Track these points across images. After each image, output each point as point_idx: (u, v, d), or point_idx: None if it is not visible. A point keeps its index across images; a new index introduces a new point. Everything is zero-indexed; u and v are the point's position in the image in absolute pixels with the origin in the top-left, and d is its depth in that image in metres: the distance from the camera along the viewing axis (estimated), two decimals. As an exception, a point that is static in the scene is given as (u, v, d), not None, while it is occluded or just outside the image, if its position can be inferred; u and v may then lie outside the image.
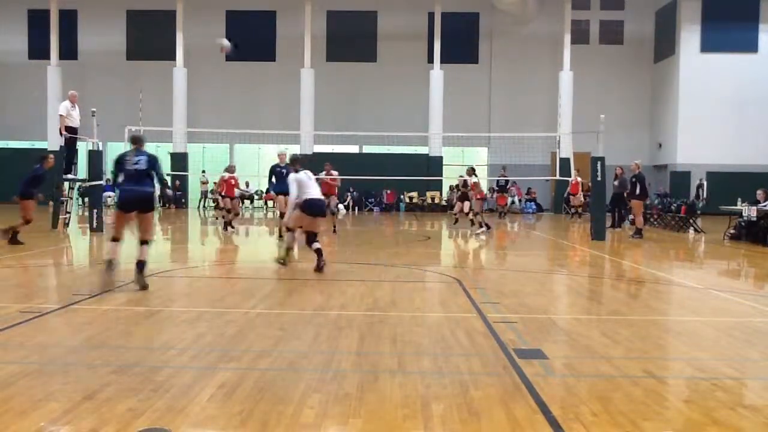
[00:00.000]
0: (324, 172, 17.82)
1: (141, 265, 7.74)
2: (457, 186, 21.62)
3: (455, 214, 20.40)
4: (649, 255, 12.88)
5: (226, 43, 14.23)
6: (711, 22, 28.54)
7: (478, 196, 18.87)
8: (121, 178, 7.92)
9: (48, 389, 4.06)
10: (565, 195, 26.74)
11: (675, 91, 29.07)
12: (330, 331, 5.77)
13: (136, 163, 7.80)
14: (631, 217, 22.02)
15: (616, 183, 19.40)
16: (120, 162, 7.87)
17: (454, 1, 30.39)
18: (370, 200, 29.93)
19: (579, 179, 24.06)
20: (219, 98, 31.22)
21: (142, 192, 7.80)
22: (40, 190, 13.01)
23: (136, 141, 8.11)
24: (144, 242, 7.87)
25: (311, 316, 6.40)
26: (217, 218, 19.89)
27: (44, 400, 3.85)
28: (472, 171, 18.83)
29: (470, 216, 19.59)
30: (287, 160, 13.04)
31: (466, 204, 19.85)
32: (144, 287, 7.61)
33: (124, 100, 29.91)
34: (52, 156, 13.93)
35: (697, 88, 28.47)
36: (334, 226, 16.98)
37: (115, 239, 7.85)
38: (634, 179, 16.57)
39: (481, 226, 17.97)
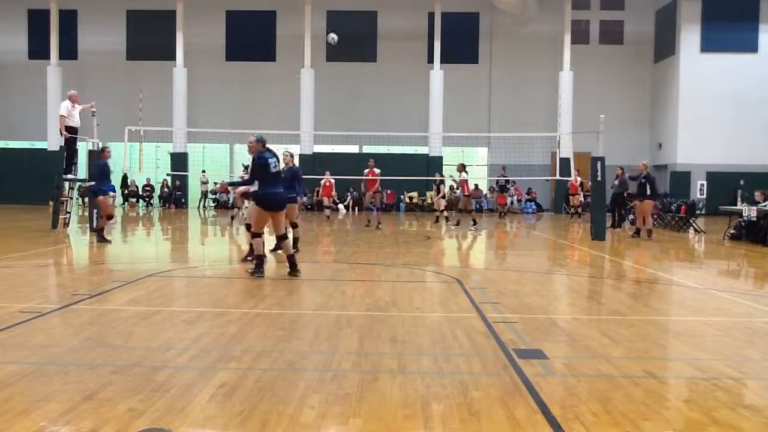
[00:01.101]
0: (367, 170, 18.31)
1: (291, 258, 8.84)
2: (434, 183, 21.56)
3: (438, 213, 20.74)
4: (648, 255, 12.88)
5: (332, 37, 15.27)
6: (711, 22, 28.54)
7: (466, 193, 19.04)
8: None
9: (48, 389, 4.06)
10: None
11: (675, 91, 29.07)
12: (330, 331, 5.77)
13: (276, 166, 8.62)
14: (631, 216, 22.04)
15: (616, 183, 19.38)
16: (266, 165, 8.52)
17: (454, 1, 30.39)
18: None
19: (579, 179, 24.04)
20: (219, 98, 31.22)
21: (285, 194, 8.83)
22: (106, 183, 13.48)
23: (265, 142, 8.82)
24: (284, 237, 8.85)
25: (311, 316, 6.40)
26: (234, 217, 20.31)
27: (44, 400, 3.85)
28: (462, 167, 18.92)
29: (445, 213, 20.03)
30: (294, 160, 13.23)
31: (442, 201, 20.20)
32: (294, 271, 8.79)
33: (124, 100, 29.91)
34: (108, 148, 13.95)
35: (697, 88, 28.47)
36: (377, 222, 18.06)
37: (260, 234, 8.76)
38: (644, 180, 16.12)
39: (457, 224, 18.49)
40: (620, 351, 5.24)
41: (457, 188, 19.77)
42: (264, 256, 8.91)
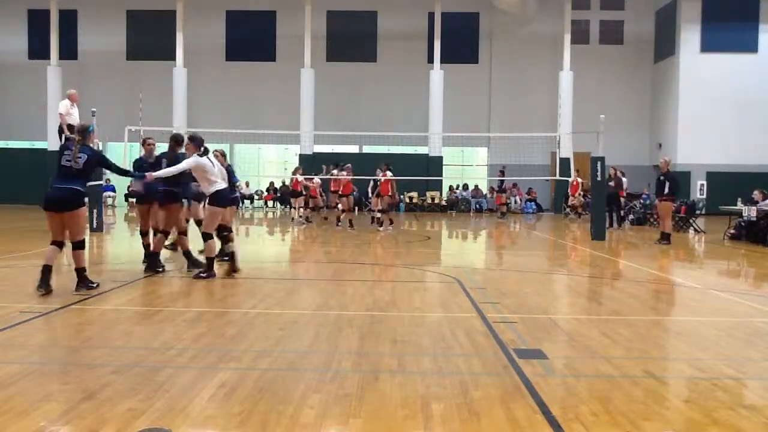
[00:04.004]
0: (380, 173, 17.98)
1: (78, 273, 7.59)
2: (375, 182, 19.36)
3: (372, 211, 19.41)
4: (648, 255, 12.88)
5: None
6: (711, 22, 28.53)
7: (389, 193, 18.06)
8: None
9: (48, 389, 4.06)
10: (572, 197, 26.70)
11: (675, 91, 29.06)
12: (330, 331, 5.77)
13: (69, 160, 7.39)
14: (631, 216, 22.04)
15: (611, 183, 19.37)
16: (59, 157, 7.48)
17: (454, 1, 30.38)
18: (370, 200, 29.91)
19: (579, 179, 24.00)
20: (219, 98, 31.21)
21: (63, 191, 7.35)
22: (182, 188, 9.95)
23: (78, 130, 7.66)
24: (77, 245, 7.59)
25: (311, 316, 6.40)
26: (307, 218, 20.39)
27: (44, 400, 3.85)
28: (386, 167, 18.10)
29: (378, 214, 18.62)
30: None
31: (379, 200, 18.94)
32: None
33: (124, 100, 29.90)
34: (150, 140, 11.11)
35: (697, 88, 28.45)
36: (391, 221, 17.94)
37: (55, 243, 7.46)
38: (663, 178, 14.93)
39: (380, 224, 17.66)
40: (620, 351, 5.24)
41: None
42: (49, 266, 7.29)
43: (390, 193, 18.16)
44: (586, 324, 6.34)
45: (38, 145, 30.67)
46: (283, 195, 29.79)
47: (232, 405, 3.83)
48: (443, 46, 29.52)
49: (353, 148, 30.37)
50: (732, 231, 16.24)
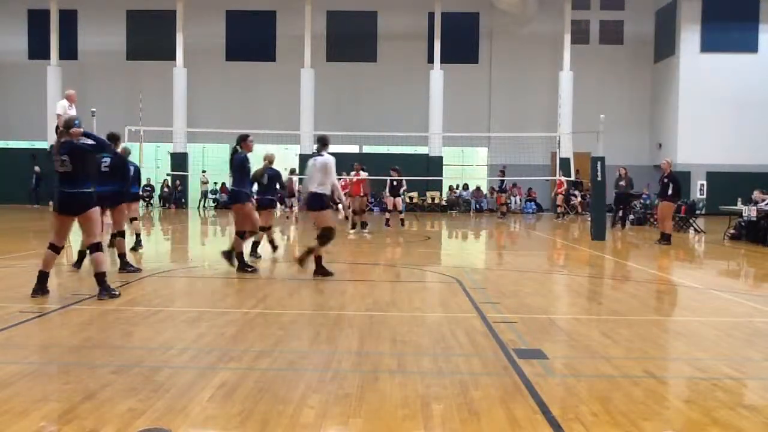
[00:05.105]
0: (353, 173, 17.67)
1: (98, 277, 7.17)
2: (392, 181, 18.86)
3: (389, 212, 18.87)
4: (648, 255, 12.88)
5: None
6: (711, 22, 28.53)
7: (360, 194, 17.41)
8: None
9: (48, 389, 4.06)
10: (553, 195, 26.76)
11: (675, 91, 29.06)
12: (330, 331, 5.77)
13: (59, 162, 7.12)
14: (631, 217, 22.02)
15: (622, 183, 19.34)
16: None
17: (454, 1, 30.38)
18: (369, 200, 29.89)
19: (562, 179, 23.82)
20: (219, 98, 31.22)
21: (69, 193, 7.07)
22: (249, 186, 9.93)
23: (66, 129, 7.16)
24: (94, 247, 7.15)
25: (311, 316, 6.40)
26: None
27: (44, 400, 3.85)
28: (359, 166, 17.59)
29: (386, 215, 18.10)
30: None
31: (398, 200, 18.34)
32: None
33: (124, 100, 29.91)
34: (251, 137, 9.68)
35: (697, 88, 28.45)
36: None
37: (52, 246, 7.12)
38: (667, 179, 14.88)
39: (353, 226, 17.17)
40: (620, 351, 5.24)
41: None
42: (45, 272, 7.08)
43: (362, 194, 17.56)
44: (586, 324, 6.34)
45: (38, 145, 30.66)
46: (282, 195, 29.79)
47: (232, 405, 3.83)
48: (443, 46, 29.51)
49: (353, 148, 30.36)
50: (732, 231, 16.23)
